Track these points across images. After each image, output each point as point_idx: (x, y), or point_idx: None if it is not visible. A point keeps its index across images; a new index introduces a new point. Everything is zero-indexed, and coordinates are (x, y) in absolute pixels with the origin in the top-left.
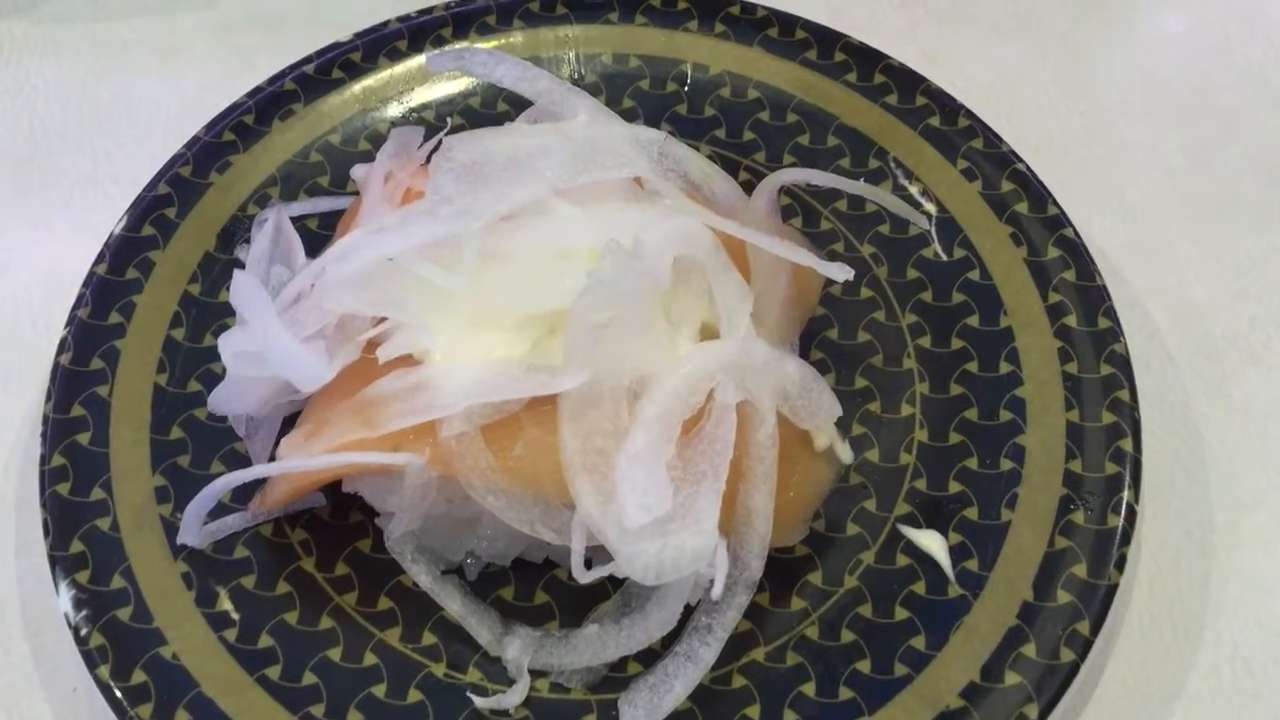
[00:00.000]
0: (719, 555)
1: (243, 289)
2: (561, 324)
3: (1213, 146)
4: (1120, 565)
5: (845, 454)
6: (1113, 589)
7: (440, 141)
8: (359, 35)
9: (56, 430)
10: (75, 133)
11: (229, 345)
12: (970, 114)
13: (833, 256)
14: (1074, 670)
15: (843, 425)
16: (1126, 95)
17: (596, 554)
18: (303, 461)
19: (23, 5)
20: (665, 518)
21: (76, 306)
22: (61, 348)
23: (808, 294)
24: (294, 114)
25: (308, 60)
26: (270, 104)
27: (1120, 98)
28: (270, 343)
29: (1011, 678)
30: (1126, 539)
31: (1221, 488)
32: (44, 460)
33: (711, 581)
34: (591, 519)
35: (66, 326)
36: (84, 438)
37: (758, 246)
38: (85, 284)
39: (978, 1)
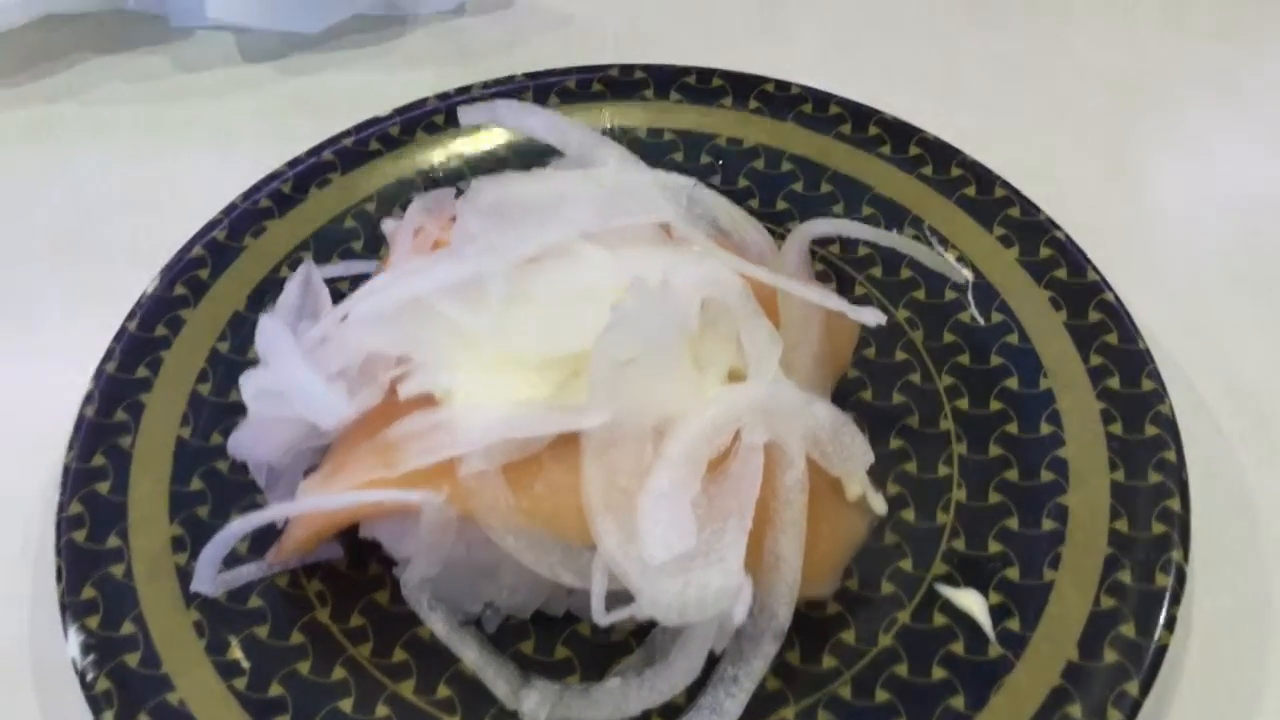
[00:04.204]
0: (744, 590)
1: (267, 331)
2: (586, 367)
3: (1259, 229)
4: (1170, 625)
5: (879, 505)
6: (1162, 649)
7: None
8: (398, 111)
9: (76, 479)
10: (119, 207)
11: (251, 383)
12: (1006, 184)
13: None
14: None
15: (877, 482)
16: (1170, 181)
17: (618, 601)
18: (319, 499)
19: (75, 88)
20: (689, 555)
21: (104, 361)
22: (87, 400)
23: (840, 351)
24: (330, 182)
25: (346, 134)
26: (308, 173)
27: (1164, 183)
28: (292, 379)
29: None
30: (1176, 599)
31: (1277, 558)
32: (61, 508)
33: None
34: (613, 559)
35: (93, 380)
36: (103, 486)
37: (788, 299)
38: (115, 339)
39: (1019, 92)
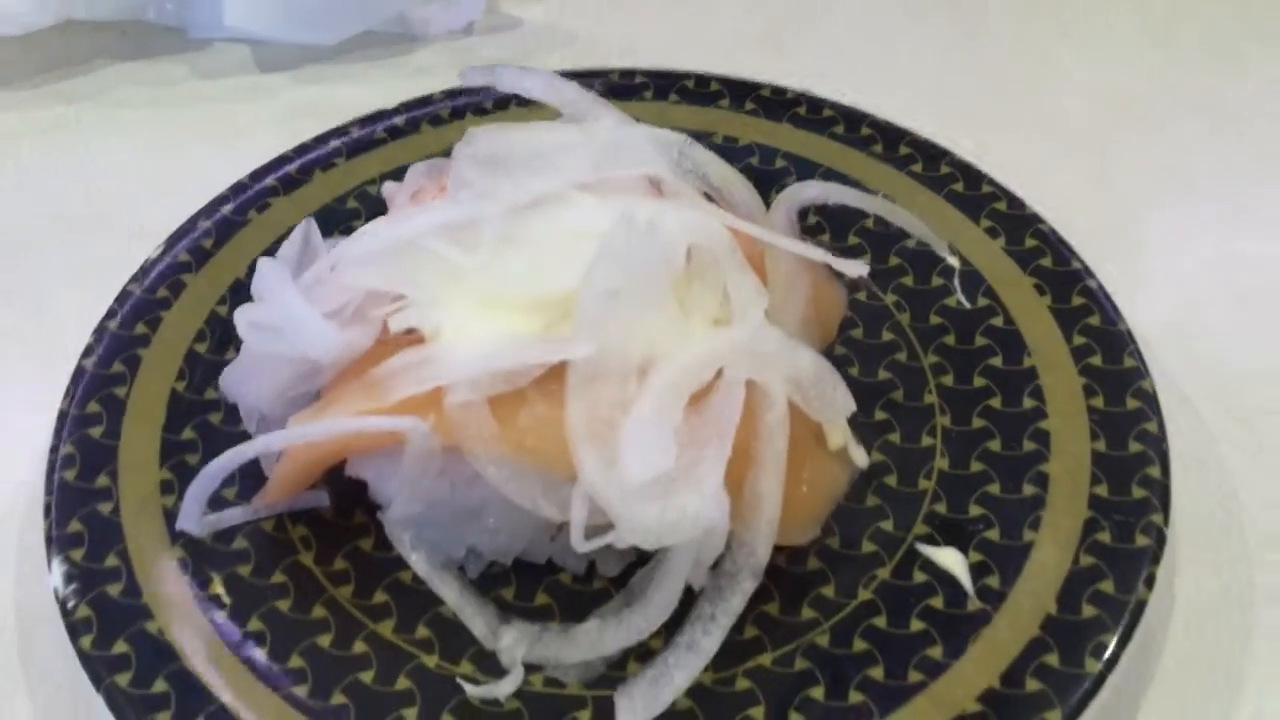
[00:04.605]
0: (722, 507)
1: (264, 271)
2: (574, 309)
3: (1244, 236)
4: (1150, 583)
5: (860, 457)
6: (1141, 604)
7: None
8: (404, 105)
9: (70, 424)
10: (128, 197)
11: (244, 316)
12: (993, 181)
13: (855, 304)
14: (1100, 680)
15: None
16: (1154, 189)
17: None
18: (306, 428)
19: (93, 91)
20: (667, 479)
21: (105, 318)
22: (86, 352)
23: (825, 324)
24: (336, 166)
25: (353, 123)
26: (314, 158)
27: (1148, 191)
28: (284, 310)
29: (1033, 685)
30: (1156, 559)
31: (1261, 546)
32: (54, 450)
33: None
34: (593, 485)
35: (93, 335)
36: (96, 431)
37: (775, 261)
38: (117, 300)
39: (1010, 109)
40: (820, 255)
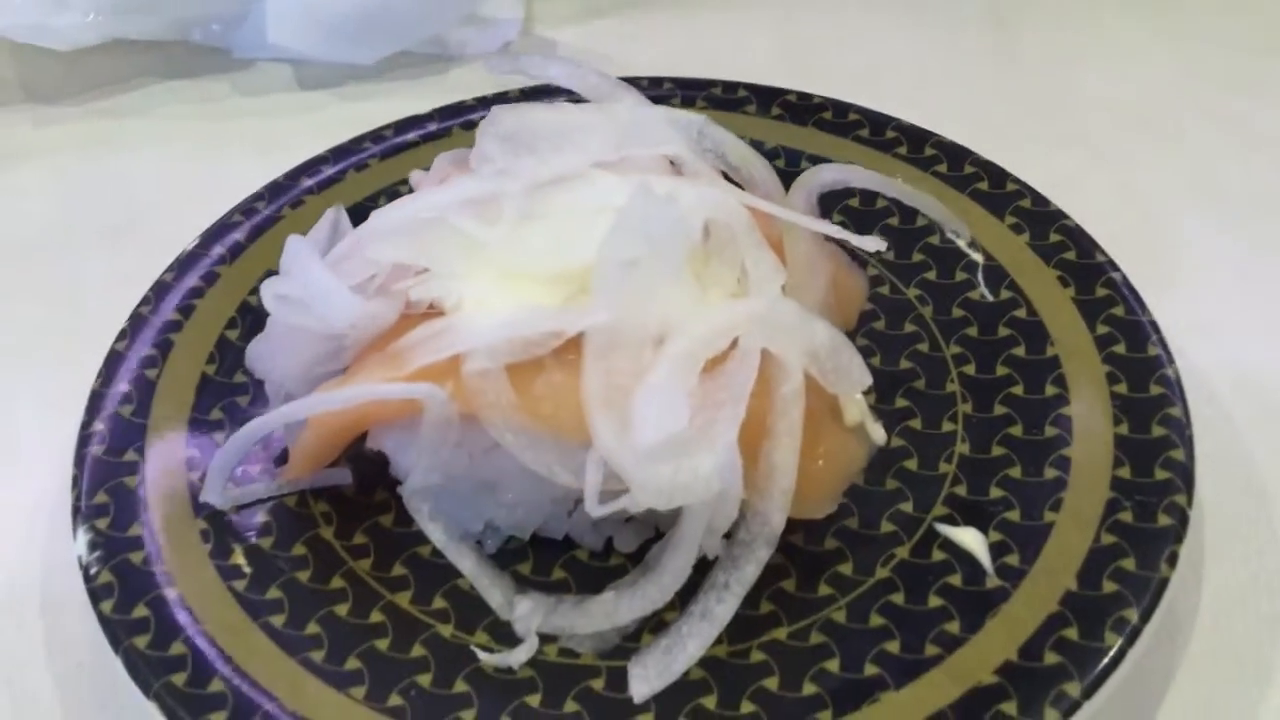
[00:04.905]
0: (734, 466)
1: (291, 246)
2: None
3: (1271, 241)
4: (1172, 561)
5: (878, 434)
6: (1164, 581)
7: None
8: (438, 111)
9: (98, 401)
10: (170, 205)
11: (270, 288)
12: (1018, 180)
13: (877, 299)
14: (1121, 655)
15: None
16: (1180, 197)
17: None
18: (327, 396)
19: (138, 107)
20: (680, 441)
21: (139, 305)
22: (119, 337)
23: (845, 308)
24: (369, 167)
25: (387, 127)
26: (345, 155)
27: (1174, 199)
28: (308, 280)
29: (1051, 658)
30: (1178, 537)
31: None
32: (84, 426)
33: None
34: (608, 449)
35: (128, 321)
36: (126, 410)
37: (794, 244)
38: (152, 289)
39: (1035, 121)
40: (837, 232)
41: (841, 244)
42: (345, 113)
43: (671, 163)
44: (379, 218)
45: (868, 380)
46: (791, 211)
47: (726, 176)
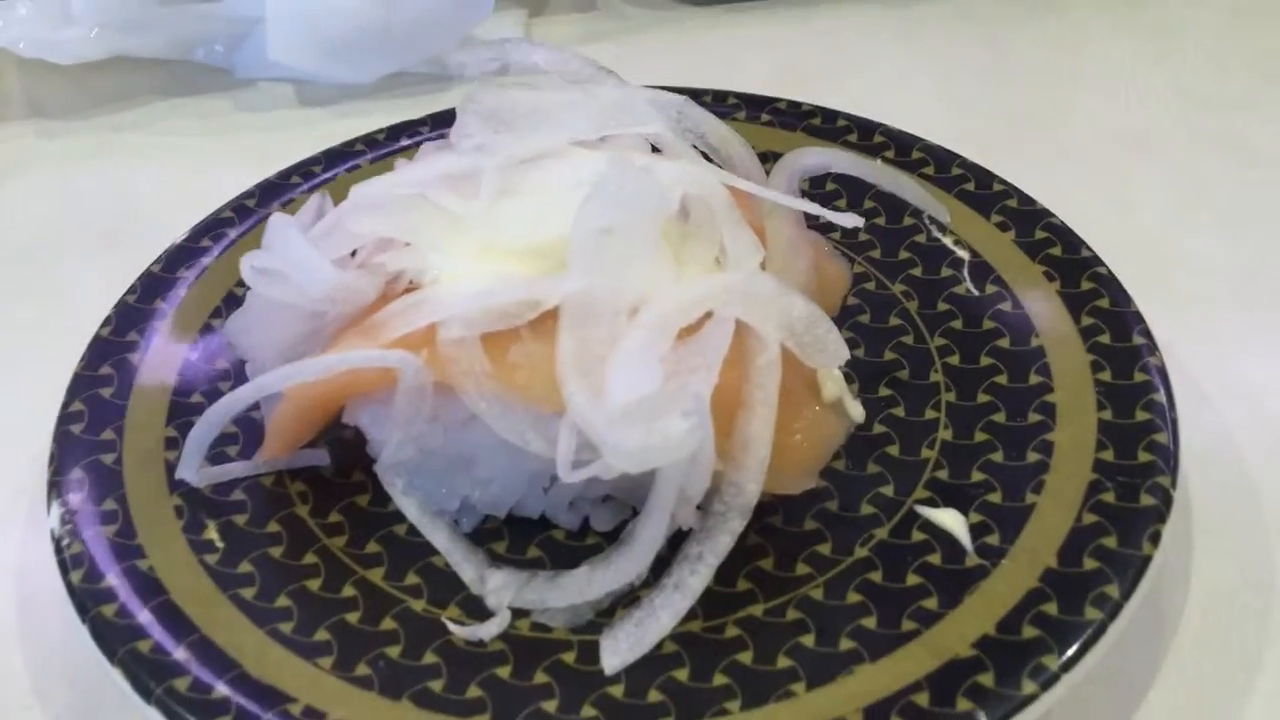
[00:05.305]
0: (705, 426)
1: (273, 222)
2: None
3: (1264, 252)
4: (1155, 540)
5: (856, 411)
6: (1146, 559)
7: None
8: (431, 117)
9: (79, 384)
10: (168, 214)
11: (249, 261)
12: (1005, 182)
13: (863, 294)
14: (1102, 629)
15: (864, 427)
16: (1173, 214)
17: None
18: (299, 365)
19: (140, 122)
20: (652, 404)
21: (125, 294)
22: (104, 323)
23: (828, 296)
24: (360, 169)
25: (379, 131)
26: (338, 158)
27: (1168, 215)
28: (286, 251)
29: (1030, 631)
30: (1162, 517)
31: None
32: (64, 406)
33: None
34: (580, 414)
35: (113, 308)
36: (106, 391)
37: (775, 230)
38: (139, 279)
39: (1028, 139)
40: (815, 209)
41: (825, 233)
42: (343, 130)
43: (654, 148)
44: (358, 192)
45: (845, 354)
46: (770, 191)
47: (707, 158)
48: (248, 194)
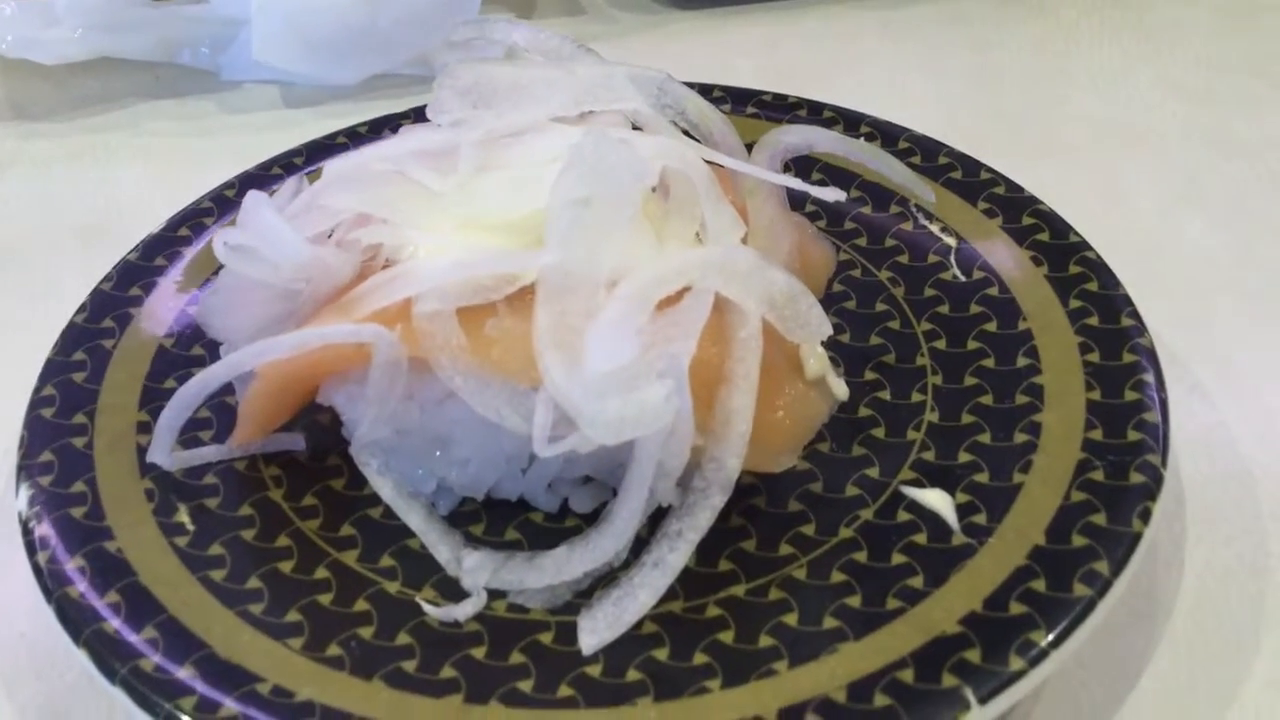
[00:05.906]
0: (682, 391)
1: (248, 200)
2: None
3: (1254, 241)
4: (1145, 517)
5: (840, 389)
6: (1137, 536)
7: None
8: (414, 110)
9: (51, 369)
10: (152, 213)
11: (223, 237)
12: (992, 170)
13: (849, 281)
14: (1091, 605)
15: (849, 409)
16: (1163, 206)
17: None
18: (272, 342)
19: (125, 123)
20: (629, 375)
21: (102, 281)
22: (78, 310)
23: (812, 278)
24: None
25: (362, 124)
26: (320, 151)
27: (1158, 207)
28: (259, 225)
29: (1018, 608)
30: (1151, 494)
31: (1275, 519)
32: (35, 391)
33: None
34: (556, 386)
35: (89, 296)
36: (79, 376)
37: (758, 214)
38: (115, 267)
39: (1013, 131)
40: (796, 184)
41: (811, 221)
42: (327, 129)
43: (635, 126)
44: (333, 166)
45: (828, 329)
46: (752, 166)
47: (689, 135)
48: (227, 185)
